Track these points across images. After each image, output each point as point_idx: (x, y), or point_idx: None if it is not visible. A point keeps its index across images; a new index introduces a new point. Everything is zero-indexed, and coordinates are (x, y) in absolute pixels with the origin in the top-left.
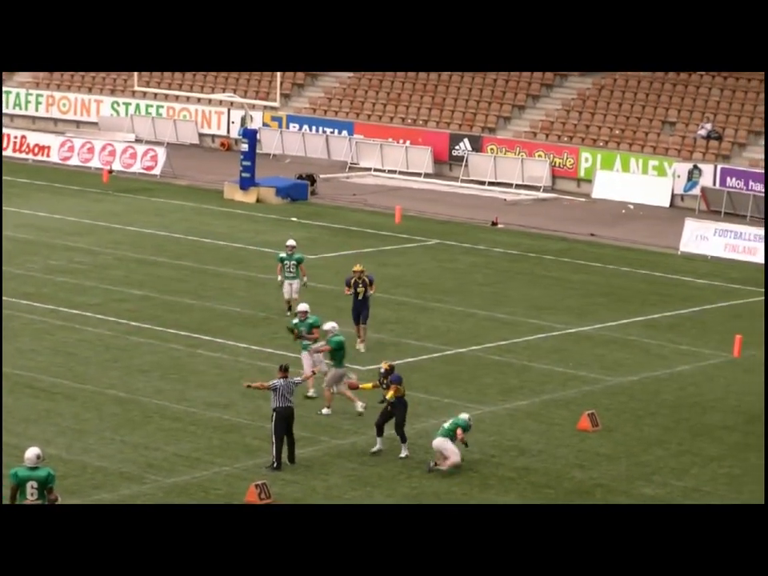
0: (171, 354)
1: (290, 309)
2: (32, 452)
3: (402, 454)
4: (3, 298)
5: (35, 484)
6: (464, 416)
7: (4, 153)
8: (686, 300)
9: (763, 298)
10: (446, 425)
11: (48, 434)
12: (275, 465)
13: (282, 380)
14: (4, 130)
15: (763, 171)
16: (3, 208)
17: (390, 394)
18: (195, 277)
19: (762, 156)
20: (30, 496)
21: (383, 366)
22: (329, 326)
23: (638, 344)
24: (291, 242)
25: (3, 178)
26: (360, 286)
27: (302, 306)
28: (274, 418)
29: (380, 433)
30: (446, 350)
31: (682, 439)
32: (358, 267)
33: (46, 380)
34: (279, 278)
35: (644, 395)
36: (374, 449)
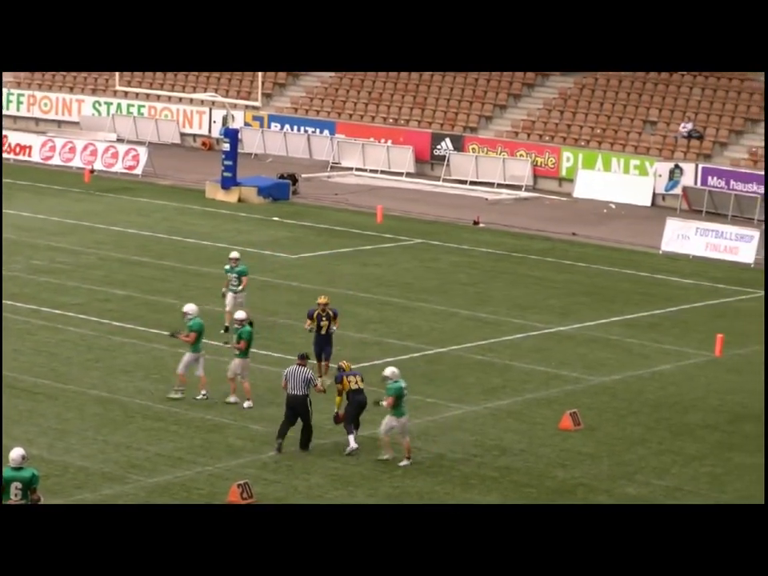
0: (154, 353)
1: (227, 329)
2: (17, 452)
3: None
4: None
5: (19, 485)
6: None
7: None
8: (667, 299)
9: (745, 297)
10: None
11: (30, 434)
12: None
13: (295, 367)
14: None
15: (744, 171)
16: None
17: (337, 401)
18: (178, 277)
19: (743, 155)
20: (14, 496)
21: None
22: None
23: (620, 343)
24: (234, 254)
25: None
26: (324, 319)
27: (240, 314)
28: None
29: (353, 427)
30: (428, 350)
31: (663, 438)
32: (322, 299)
33: (27, 380)
34: (223, 289)
35: (626, 394)
36: (348, 449)
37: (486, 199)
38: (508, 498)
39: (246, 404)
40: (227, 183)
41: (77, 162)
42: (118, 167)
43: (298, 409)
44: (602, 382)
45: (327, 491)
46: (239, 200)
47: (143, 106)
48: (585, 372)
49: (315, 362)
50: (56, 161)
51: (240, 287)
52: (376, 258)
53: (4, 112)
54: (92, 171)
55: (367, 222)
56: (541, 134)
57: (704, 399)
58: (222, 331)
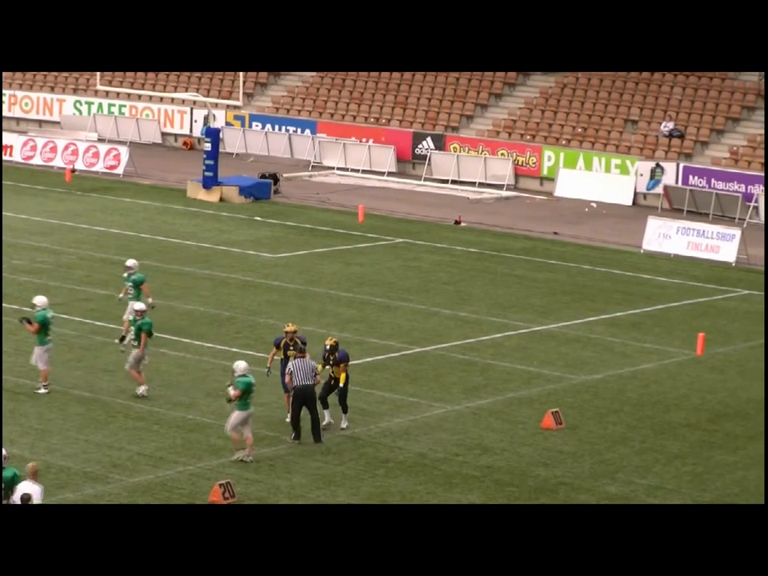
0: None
1: (122, 338)
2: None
3: (343, 425)
4: None
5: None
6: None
7: None
8: (649, 298)
9: (727, 296)
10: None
11: (12, 434)
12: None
13: (298, 360)
14: None
15: (725, 170)
16: None
17: (342, 378)
18: (159, 276)
19: (724, 154)
20: None
21: (328, 342)
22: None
23: (601, 342)
24: (129, 263)
25: None
26: (291, 348)
27: (139, 305)
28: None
29: (325, 405)
30: (409, 349)
31: (645, 437)
32: (290, 327)
33: (9, 380)
34: (120, 296)
35: (607, 393)
36: (324, 422)
37: (468, 198)
38: (490, 498)
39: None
40: (209, 183)
41: (58, 162)
42: (100, 167)
43: (307, 399)
44: (584, 381)
45: (309, 491)
46: (221, 199)
47: (124, 106)
48: (566, 371)
49: (283, 392)
50: (37, 160)
51: (143, 296)
52: (358, 258)
53: None
54: (73, 171)
55: (349, 221)
56: (522, 133)
57: (686, 398)
58: (117, 341)
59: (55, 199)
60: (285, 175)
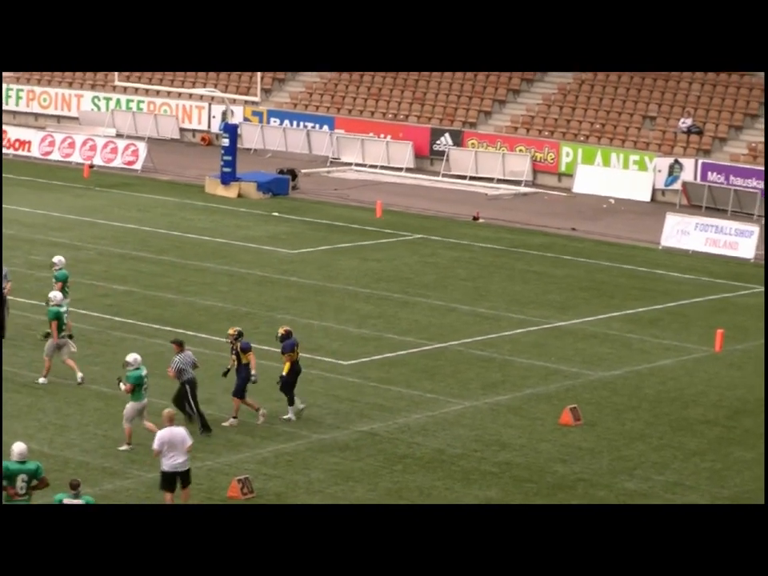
0: (154, 349)
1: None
2: (20, 447)
3: (286, 416)
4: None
5: (25, 477)
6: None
7: None
8: (667, 294)
9: (745, 292)
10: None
11: (30, 429)
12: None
13: (180, 355)
14: None
15: (743, 166)
16: None
17: (285, 368)
18: (177, 272)
19: (742, 151)
20: (20, 490)
21: (280, 331)
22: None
23: (619, 338)
24: (54, 259)
25: None
26: (232, 352)
27: (52, 294)
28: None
29: (291, 400)
30: (427, 345)
31: (663, 434)
32: (231, 331)
33: (27, 375)
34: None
35: (625, 390)
36: (286, 416)
37: (486, 194)
38: (508, 494)
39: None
40: (226, 178)
41: (76, 158)
42: (118, 162)
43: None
44: (602, 377)
45: (327, 486)
46: (239, 195)
47: (142, 102)
48: (584, 367)
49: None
50: (55, 156)
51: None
52: (375, 253)
53: (4, 107)
54: (91, 166)
55: (366, 217)
56: (540, 129)
57: (704, 394)
58: (41, 336)
59: (73, 195)
60: (303, 171)
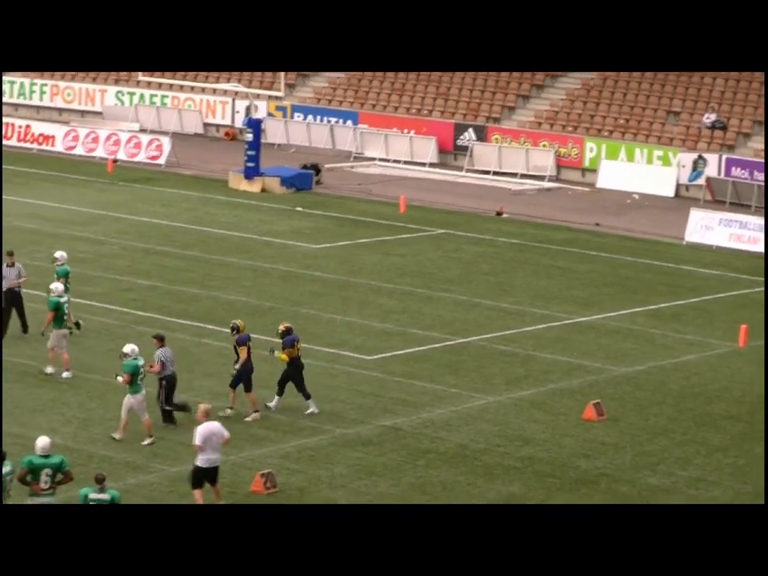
0: (177, 343)
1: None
2: (44, 441)
3: (309, 411)
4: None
5: (49, 471)
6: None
7: (8, 142)
8: (691, 290)
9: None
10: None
11: (54, 423)
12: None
13: (163, 350)
14: (9, 120)
15: None
16: (7, 198)
17: (282, 357)
18: (201, 266)
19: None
20: (44, 484)
21: (281, 327)
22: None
23: (643, 334)
24: (56, 254)
25: (7, 167)
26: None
27: (53, 285)
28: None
29: (280, 392)
30: (451, 340)
31: (686, 429)
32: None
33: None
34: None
35: (649, 385)
36: (270, 404)
37: (510, 190)
38: (531, 489)
39: (64, 374)
40: (250, 173)
41: (100, 152)
42: (141, 157)
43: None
44: (625, 373)
45: (350, 481)
46: (262, 190)
47: (166, 96)
48: (608, 362)
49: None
50: (79, 151)
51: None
52: (399, 248)
53: (27, 102)
54: (115, 161)
55: (390, 212)
56: (564, 125)
57: (727, 390)
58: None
59: (97, 189)
60: (326, 166)
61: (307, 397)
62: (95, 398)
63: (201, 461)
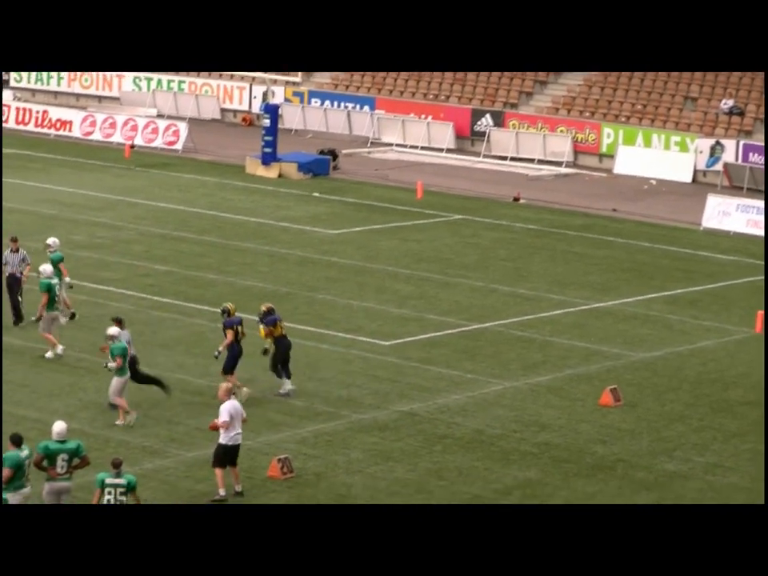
0: (194, 329)
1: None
2: (61, 426)
3: (284, 390)
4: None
5: (66, 456)
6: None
7: (26, 128)
8: (708, 276)
9: None
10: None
11: (71, 408)
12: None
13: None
14: (26, 105)
15: None
16: (25, 183)
17: (262, 334)
18: (218, 252)
19: None
20: (61, 469)
21: (262, 308)
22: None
23: (660, 319)
24: (48, 241)
25: (25, 153)
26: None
27: (42, 267)
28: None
29: (279, 375)
30: (468, 326)
31: (703, 415)
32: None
33: (69, 354)
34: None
35: (666, 371)
36: (282, 390)
37: (527, 175)
38: (547, 474)
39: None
40: (267, 159)
41: (117, 138)
42: (159, 143)
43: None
44: (642, 359)
45: (366, 466)
46: (279, 176)
47: (183, 82)
48: (625, 348)
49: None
50: (96, 136)
51: (61, 276)
52: (416, 234)
53: (45, 87)
54: (132, 147)
55: (407, 197)
56: (581, 110)
57: (745, 376)
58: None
59: (114, 175)
60: (343, 151)
61: (288, 376)
62: None
63: (225, 438)
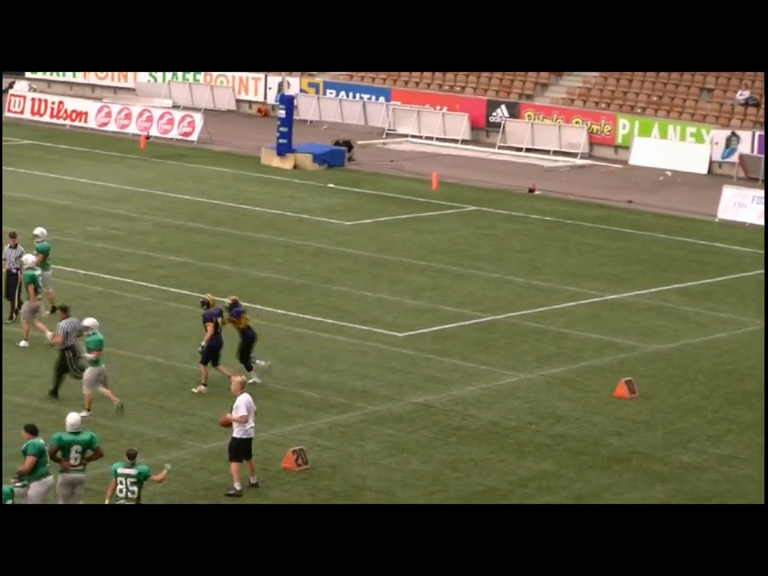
0: None
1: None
2: (74, 417)
3: (251, 380)
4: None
5: (79, 448)
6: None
7: (41, 119)
8: (723, 267)
9: None
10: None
11: (85, 399)
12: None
13: (66, 321)
14: (42, 96)
15: None
16: (41, 174)
17: (224, 321)
18: (233, 243)
19: None
20: (74, 460)
21: (227, 301)
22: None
23: (675, 311)
24: (36, 231)
25: (41, 144)
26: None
27: (26, 257)
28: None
29: (249, 367)
30: (482, 317)
31: (718, 406)
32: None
33: (83, 347)
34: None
35: (681, 362)
36: (256, 379)
37: (542, 166)
38: (562, 466)
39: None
40: (282, 150)
41: (132, 129)
42: (174, 134)
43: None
44: (657, 350)
45: (381, 458)
46: (294, 167)
47: (199, 73)
48: (639, 340)
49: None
50: (112, 127)
51: (45, 264)
52: (430, 225)
53: (60, 78)
54: (148, 137)
55: (422, 189)
56: (597, 101)
57: (759, 367)
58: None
59: (129, 166)
60: (359, 142)
61: (249, 369)
62: (127, 374)
63: (240, 431)
